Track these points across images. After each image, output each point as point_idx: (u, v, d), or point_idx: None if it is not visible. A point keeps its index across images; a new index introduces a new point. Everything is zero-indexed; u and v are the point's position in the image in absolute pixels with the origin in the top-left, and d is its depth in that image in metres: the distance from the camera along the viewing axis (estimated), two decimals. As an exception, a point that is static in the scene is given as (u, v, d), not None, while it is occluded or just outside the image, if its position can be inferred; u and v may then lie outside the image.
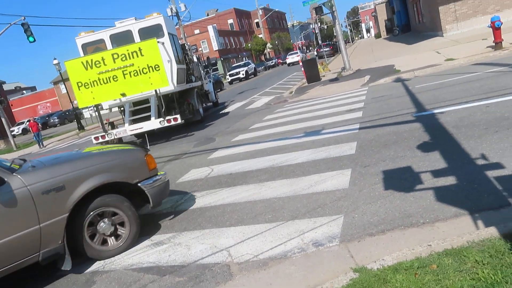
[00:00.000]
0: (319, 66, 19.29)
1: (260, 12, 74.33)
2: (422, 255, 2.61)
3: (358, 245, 3.01)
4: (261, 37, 74.40)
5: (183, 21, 38.17)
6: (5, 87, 54.86)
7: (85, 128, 25.32)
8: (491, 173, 3.62)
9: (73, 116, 33.38)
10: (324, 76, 19.18)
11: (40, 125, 22.81)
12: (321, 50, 36.96)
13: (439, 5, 20.34)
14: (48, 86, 72.14)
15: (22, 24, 18.39)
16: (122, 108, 12.57)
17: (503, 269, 2.27)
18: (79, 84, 10.27)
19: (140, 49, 10.18)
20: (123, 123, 12.46)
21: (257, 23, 79.32)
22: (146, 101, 11.62)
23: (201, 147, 8.82)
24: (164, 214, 4.79)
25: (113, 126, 12.21)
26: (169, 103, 11.93)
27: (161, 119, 10.65)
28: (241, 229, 3.78)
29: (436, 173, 3.93)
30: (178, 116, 10.76)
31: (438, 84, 9.22)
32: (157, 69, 10.16)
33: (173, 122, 10.70)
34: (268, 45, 77.29)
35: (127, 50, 10.20)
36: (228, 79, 39.76)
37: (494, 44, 12.30)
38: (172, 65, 11.48)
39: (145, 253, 3.76)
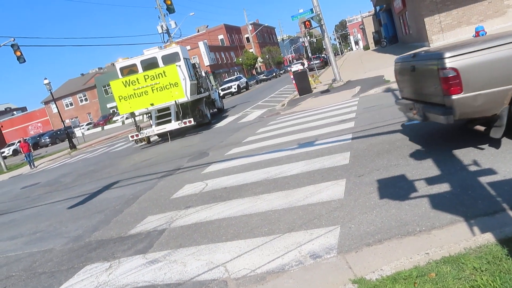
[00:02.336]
0: (310, 79, 19.43)
1: (250, 27, 75.14)
2: (420, 264, 2.59)
3: (356, 255, 2.98)
4: (252, 52, 74.99)
5: (174, 38, 38.43)
6: (-4, 108, 54.53)
7: (77, 147, 25.11)
8: (484, 179, 3.63)
9: (65, 135, 33.17)
10: (315, 88, 19.33)
11: (31, 146, 22.59)
12: (312, 62, 37.31)
13: (424, 16, 20.70)
14: (39, 106, 71.75)
15: (12, 45, 18.34)
16: (149, 115, 16.18)
17: (501, 275, 2.25)
18: (120, 98, 14.59)
19: (164, 72, 14.47)
20: (150, 126, 16.19)
21: (247, 38, 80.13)
22: (167, 109, 15.17)
23: (194, 162, 8.77)
24: (158, 231, 4.72)
25: (140, 129, 15.42)
26: (184, 110, 15.65)
27: (179, 121, 14.42)
28: (237, 243, 3.73)
29: (430, 181, 3.93)
30: (191, 119, 14.61)
31: (427, 93, 9.30)
32: (176, 85, 14.44)
33: (188, 124, 14.42)
34: (259, 59, 77.90)
35: (155, 73, 14.52)
36: (220, 93, 40.02)
37: (480, 52, 12.49)
38: (186, 82, 15.11)
39: (140, 272, 3.69)
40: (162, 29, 35.86)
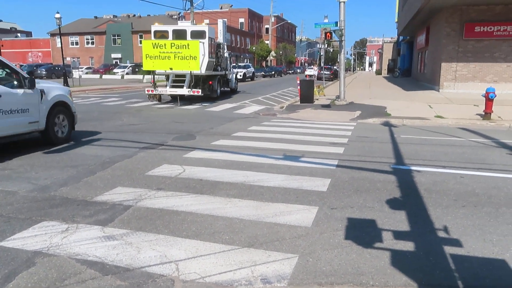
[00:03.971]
0: (315, 89, 19.44)
1: (273, 19, 74.61)
2: (363, 320, 2.62)
3: (305, 292, 3.00)
4: (267, 44, 74.59)
5: (195, 8, 37.95)
6: (0, 25, 53.32)
7: (70, 87, 24.75)
8: (449, 249, 3.68)
9: (62, 72, 32.64)
10: (317, 99, 19.34)
11: (25, 74, 22.13)
12: (322, 72, 37.25)
13: (442, 61, 20.81)
14: (45, 36, 70.42)
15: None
16: (167, 76, 18.43)
17: None
18: (147, 56, 16.96)
19: (188, 45, 16.80)
20: (165, 86, 18.57)
21: (267, 29, 79.56)
22: (183, 76, 17.67)
23: (179, 142, 8.73)
24: (124, 206, 4.69)
25: (155, 86, 17.90)
26: (197, 81, 17.91)
27: (189, 89, 17.04)
28: (196, 243, 3.73)
29: (398, 235, 3.97)
30: (200, 90, 17.36)
31: (422, 140, 9.39)
32: (194, 59, 16.74)
33: (195, 93, 17.17)
34: (272, 53, 77.57)
35: (181, 43, 16.82)
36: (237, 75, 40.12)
37: (483, 113, 12.64)
38: (204, 58, 17.60)
39: (94, 245, 3.67)
40: (186, -4, 35.33)
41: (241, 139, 9.07)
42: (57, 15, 24.05)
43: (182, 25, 18.81)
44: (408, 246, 3.74)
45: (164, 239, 3.82)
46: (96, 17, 75.69)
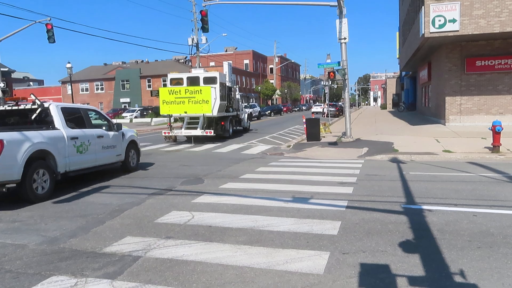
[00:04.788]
0: (321, 126, 19.57)
1: (277, 59, 76.37)
2: None
3: None
4: (272, 83, 75.99)
5: (201, 53, 39.08)
6: (14, 75, 55.11)
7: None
8: (467, 295, 3.56)
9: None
10: (324, 137, 19.42)
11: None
12: (327, 108, 37.60)
13: (446, 95, 20.96)
14: (56, 84, 72.55)
15: (46, 25, 18.71)
16: (182, 119, 20.87)
17: None
18: (163, 101, 18.89)
19: (200, 90, 18.60)
20: (180, 128, 20.40)
21: (271, 69, 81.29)
22: (197, 118, 19.22)
23: (188, 187, 8.74)
24: (133, 257, 4.64)
25: (171, 128, 19.58)
26: (210, 122, 19.57)
27: (202, 130, 18.54)
28: (206, 296, 3.65)
29: (413, 281, 3.86)
30: (212, 131, 18.57)
31: (432, 176, 9.31)
32: (207, 102, 18.48)
33: (208, 134, 18.42)
34: (278, 91, 78.82)
35: (194, 89, 18.67)
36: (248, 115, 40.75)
37: (492, 146, 12.57)
38: (216, 101, 19.10)
39: (102, 300, 3.61)
40: (192, 42, 36.52)
41: (249, 181, 9.06)
42: (68, 65, 24.90)
43: (195, 72, 20.57)
44: (424, 293, 3.62)
45: (173, 292, 3.75)
46: (105, 64, 78.11)
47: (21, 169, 7.31)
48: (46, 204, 7.43)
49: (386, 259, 4.40)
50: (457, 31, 18.00)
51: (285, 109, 64.20)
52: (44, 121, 8.84)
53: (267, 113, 52.72)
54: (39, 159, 7.88)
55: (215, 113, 19.10)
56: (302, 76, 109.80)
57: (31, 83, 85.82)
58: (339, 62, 17.72)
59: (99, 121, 10.52)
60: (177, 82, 20.13)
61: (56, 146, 8.30)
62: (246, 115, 26.23)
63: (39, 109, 8.75)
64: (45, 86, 77.15)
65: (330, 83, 47.90)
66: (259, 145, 17.82)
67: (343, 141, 17.37)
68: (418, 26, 21.02)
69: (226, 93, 21.02)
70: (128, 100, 66.05)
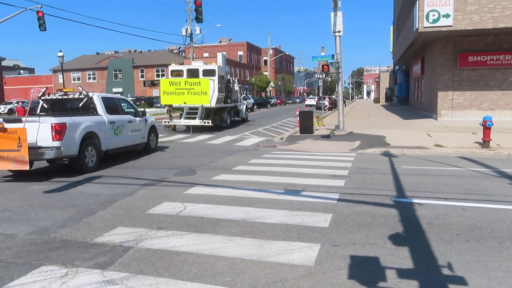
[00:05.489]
0: (314, 119, 19.59)
1: (271, 51, 76.07)
2: None
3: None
4: (266, 75, 75.78)
5: (195, 43, 38.79)
6: (4, 63, 54.35)
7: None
8: (454, 288, 3.62)
9: (64, 108, 32.99)
10: (317, 130, 19.45)
11: (27, 111, 22.38)
12: (320, 102, 37.66)
13: (438, 90, 21.08)
14: (47, 72, 71.68)
15: (37, 12, 18.42)
16: (182, 109, 20.76)
17: None
18: (164, 92, 19.81)
19: (199, 82, 19.46)
20: (179, 117, 21.04)
21: (265, 61, 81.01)
22: (196, 108, 19.96)
23: (180, 178, 8.73)
24: (124, 247, 4.64)
25: (171, 118, 20.69)
26: (208, 112, 20.48)
27: (201, 120, 19.41)
28: (198, 287, 3.67)
29: (401, 273, 3.91)
30: (209, 121, 19.56)
31: (422, 170, 9.39)
32: (205, 94, 19.32)
33: (206, 123, 19.32)
34: (271, 84, 78.66)
35: (193, 81, 19.54)
36: (247, 106, 40.49)
37: (482, 141, 12.69)
38: (214, 93, 20.00)
39: (93, 290, 3.61)
40: (186, 32, 36.24)
41: (241, 173, 9.07)
42: (60, 54, 24.59)
43: (195, 64, 21.59)
44: (412, 285, 3.67)
45: (164, 282, 3.76)
46: (97, 53, 77.32)
47: (77, 146, 9.23)
48: (37, 194, 7.38)
49: (376, 252, 4.45)
50: (451, 26, 18.05)
51: (278, 101, 64.29)
52: (88, 108, 10.68)
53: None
54: (88, 139, 9.65)
55: (213, 104, 19.91)
56: (296, 69, 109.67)
57: (21, 71, 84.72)
58: (333, 55, 17.70)
59: (128, 109, 12.21)
60: (177, 73, 20.91)
61: (100, 129, 10.15)
62: (244, 106, 27.06)
63: (85, 98, 10.62)
64: (36, 74, 76.19)
65: (324, 76, 47.92)
66: (252, 137, 17.81)
67: (336, 134, 17.42)
68: (412, 20, 21.05)
69: (224, 85, 21.85)
70: (120, 90, 65.51)
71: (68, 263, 4.23)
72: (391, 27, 46.02)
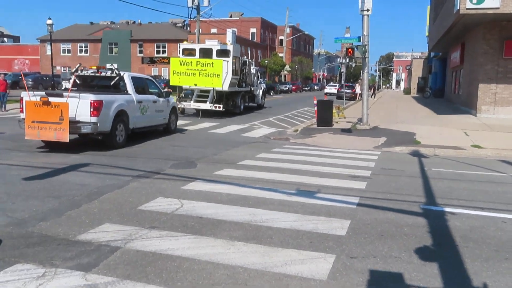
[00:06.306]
0: (334, 110, 19.46)
1: (288, 30, 75.58)
2: None
3: None
4: (281, 57, 75.35)
5: (202, 17, 38.62)
6: (-14, 30, 54.75)
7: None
8: (489, 314, 3.54)
9: (50, 83, 33.19)
10: (337, 122, 19.34)
11: (9, 85, 22.57)
12: (342, 90, 37.38)
13: (479, 82, 20.75)
14: (34, 42, 72.08)
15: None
16: (192, 91, 21.77)
17: None
18: (174, 72, 20.34)
19: (212, 63, 19.86)
20: (190, 100, 21.66)
21: (281, 41, 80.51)
22: (207, 91, 20.68)
23: (177, 171, 8.71)
24: (111, 247, 4.62)
25: (180, 100, 20.97)
26: (220, 96, 20.98)
27: (211, 104, 20.17)
28: (192, 297, 3.64)
29: (428, 294, 3.84)
30: (221, 105, 20.32)
31: (457, 174, 9.26)
32: (218, 76, 19.65)
33: (217, 108, 20.17)
34: (287, 67, 78.25)
35: (205, 62, 20.00)
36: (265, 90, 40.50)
37: (528, 144, 12.48)
38: (227, 76, 20.68)
39: (73, 295, 3.60)
40: (192, 3, 36.12)
41: (248, 169, 9.03)
42: (49, 21, 24.67)
43: (209, 44, 22.30)
44: (441, 309, 3.60)
45: (154, 290, 3.74)
46: (91, 23, 77.52)
47: (111, 123, 10.70)
48: (15, 180, 7.41)
49: (400, 267, 4.38)
50: (498, 8, 17.68)
51: (294, 87, 63.97)
52: (119, 86, 12.18)
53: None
54: (119, 116, 11.06)
55: (225, 87, 20.61)
56: (316, 51, 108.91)
57: (5, 39, 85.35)
58: (359, 37, 17.51)
59: (152, 89, 13.58)
60: (189, 52, 21.57)
61: (130, 107, 11.59)
62: (261, 91, 27.67)
63: (116, 77, 12.10)
64: (21, 43, 76.73)
65: (347, 61, 47.57)
66: (262, 127, 17.75)
67: (358, 129, 17.30)
68: (452, 0, 20.68)
69: (239, 67, 22.63)
70: (115, 66, 65.73)
71: (46, 262, 4.22)
72: (428, 7, 45.38)
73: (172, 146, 11.87)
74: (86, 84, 12.70)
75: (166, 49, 63.50)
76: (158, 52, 63.89)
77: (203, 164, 9.41)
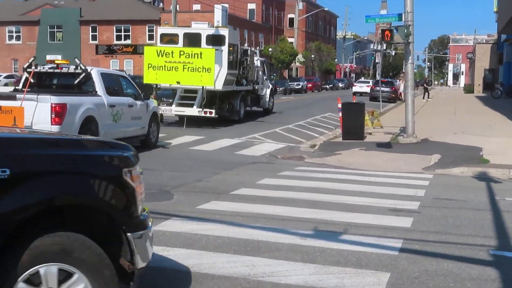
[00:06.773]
0: (366, 117, 19.52)
1: (300, 5, 76.24)
2: None
3: None
4: (292, 43, 75.87)
5: (180, -12, 39.06)
6: None
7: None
8: None
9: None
10: (370, 133, 19.45)
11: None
12: (377, 88, 37.56)
13: None
14: None
15: None
16: (173, 91, 22.31)
17: None
18: (149, 65, 20.28)
19: (201, 53, 19.87)
20: (170, 103, 21.95)
21: (291, 20, 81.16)
22: (195, 91, 20.90)
23: (147, 204, 8.69)
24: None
25: (158, 103, 19.79)
26: (212, 98, 21.11)
27: (200, 109, 20.15)
28: None
29: None
30: (213, 110, 20.48)
31: (541, 206, 9.28)
32: (208, 71, 19.60)
33: (208, 114, 20.25)
34: (299, 57, 78.70)
35: (191, 51, 20.06)
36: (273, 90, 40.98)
37: None
38: (221, 70, 20.89)
39: None
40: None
41: (245, 201, 9.06)
42: None
43: (196, 27, 22.87)
44: None
45: None
46: (25, -1, 78.20)
47: (76, 133, 10.65)
48: None
49: None
50: None
51: (310, 85, 64.37)
52: (84, 86, 13.01)
53: None
54: (87, 124, 11.62)
55: (219, 86, 20.87)
56: (340, 35, 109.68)
57: None
58: (400, 15, 17.66)
59: (127, 89, 14.25)
60: (170, 39, 22.12)
61: (99, 113, 12.13)
62: (267, 90, 28.00)
63: (82, 74, 12.70)
64: None
65: (384, 48, 47.93)
66: (266, 141, 17.85)
67: (401, 142, 17.35)
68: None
69: (238, 59, 22.99)
70: (59, 57, 66.15)
71: None
72: (497, -29, 45.83)
73: (144, 170, 11.88)
74: (42, 84, 13.44)
75: (129, 33, 64.06)
76: (118, 38, 64.41)
77: (182, 195, 9.43)
